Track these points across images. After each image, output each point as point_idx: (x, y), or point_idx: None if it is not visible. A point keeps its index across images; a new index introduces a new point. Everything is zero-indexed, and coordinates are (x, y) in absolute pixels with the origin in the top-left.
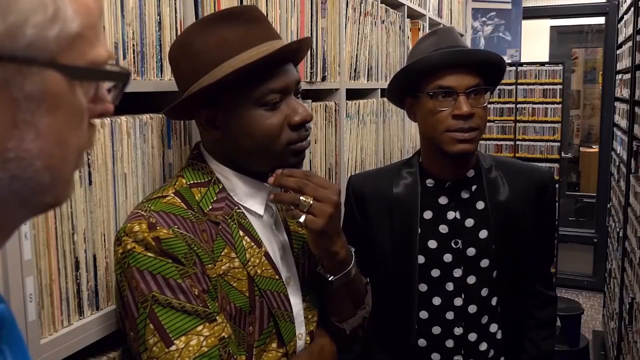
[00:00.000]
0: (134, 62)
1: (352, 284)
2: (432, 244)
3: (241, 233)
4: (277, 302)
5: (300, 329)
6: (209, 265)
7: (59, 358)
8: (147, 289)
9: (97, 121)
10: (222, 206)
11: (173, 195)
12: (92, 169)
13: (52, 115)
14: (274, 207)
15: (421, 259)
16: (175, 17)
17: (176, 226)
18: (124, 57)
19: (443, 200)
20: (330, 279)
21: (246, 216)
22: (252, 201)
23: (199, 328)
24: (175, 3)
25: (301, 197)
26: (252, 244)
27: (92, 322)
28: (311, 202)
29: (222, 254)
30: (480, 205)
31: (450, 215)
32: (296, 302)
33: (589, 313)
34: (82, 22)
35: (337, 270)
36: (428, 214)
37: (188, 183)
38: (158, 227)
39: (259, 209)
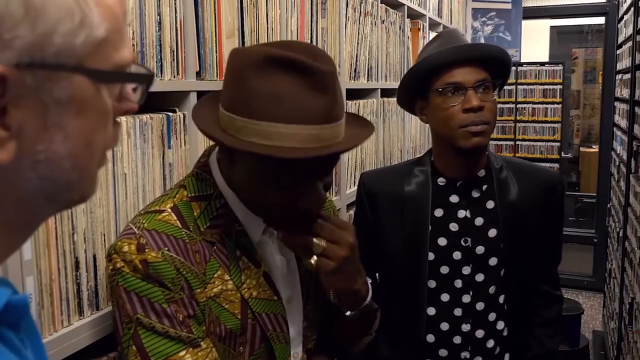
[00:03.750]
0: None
1: (364, 314)
2: (442, 241)
3: (238, 253)
4: (274, 324)
5: (297, 349)
6: (198, 290)
7: (59, 358)
8: (132, 310)
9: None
10: (221, 223)
11: (170, 211)
12: None
13: (80, 118)
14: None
15: (431, 256)
16: (175, 17)
17: (166, 248)
18: None
19: (454, 198)
20: (347, 314)
21: (247, 233)
22: (249, 225)
23: (182, 353)
24: (175, 3)
25: (314, 240)
26: (250, 264)
27: (92, 322)
28: (324, 243)
29: (215, 275)
30: (490, 204)
31: (461, 213)
32: (296, 322)
33: (589, 313)
34: (107, 27)
35: (355, 305)
36: (439, 212)
37: (189, 196)
38: (147, 250)
39: (255, 236)
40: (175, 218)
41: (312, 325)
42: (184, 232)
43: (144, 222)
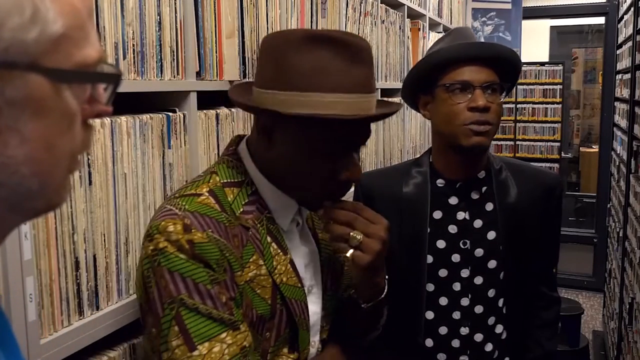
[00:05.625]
0: (134, 62)
1: (379, 307)
2: (441, 244)
3: (269, 239)
4: (299, 310)
5: (315, 337)
6: (238, 273)
7: (59, 358)
8: (175, 291)
9: (97, 121)
10: (253, 209)
11: (207, 194)
12: (92, 169)
13: (38, 120)
14: (301, 218)
15: (429, 259)
16: (175, 17)
17: (210, 230)
18: (124, 57)
19: (453, 200)
20: (363, 306)
21: (275, 222)
22: (278, 214)
23: (223, 335)
24: (175, 3)
25: (351, 233)
26: (279, 250)
27: (92, 322)
28: (360, 238)
29: (251, 260)
30: (489, 206)
31: (460, 215)
32: (315, 311)
33: (589, 313)
34: (66, 22)
35: (372, 298)
36: (438, 214)
37: (221, 182)
38: (193, 230)
39: (285, 224)
40: (214, 202)
41: (327, 315)
42: (223, 216)
43: (184, 204)
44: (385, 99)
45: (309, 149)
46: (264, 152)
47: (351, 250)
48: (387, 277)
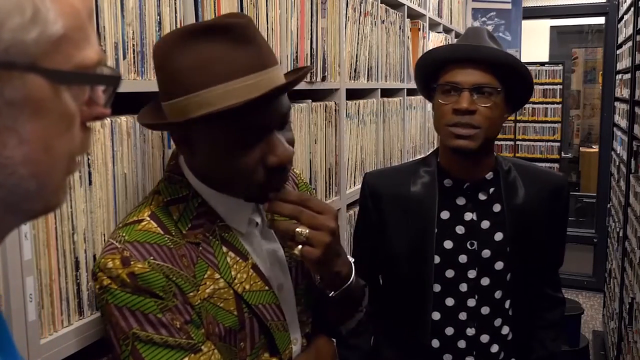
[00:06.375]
0: (134, 62)
1: (350, 293)
2: (448, 244)
3: (224, 249)
4: (270, 314)
5: (295, 334)
6: (191, 293)
7: (59, 358)
8: (127, 326)
9: (97, 123)
10: (203, 222)
11: (149, 219)
12: (92, 169)
13: (36, 121)
14: (259, 219)
15: (437, 259)
16: (175, 17)
17: (152, 257)
18: (124, 57)
19: (460, 201)
20: (330, 295)
21: (230, 228)
22: (231, 219)
23: None
24: (175, 3)
25: (297, 229)
26: (238, 258)
27: (92, 322)
28: (307, 232)
29: (205, 276)
30: (496, 207)
31: (467, 216)
32: (290, 308)
33: (589, 313)
34: (66, 23)
35: (337, 286)
36: (445, 214)
37: (165, 200)
38: (132, 262)
39: (242, 227)
40: (156, 225)
41: (305, 309)
42: (166, 238)
43: (124, 235)
44: (302, 66)
45: (225, 146)
46: (192, 161)
47: (299, 247)
48: (353, 260)
